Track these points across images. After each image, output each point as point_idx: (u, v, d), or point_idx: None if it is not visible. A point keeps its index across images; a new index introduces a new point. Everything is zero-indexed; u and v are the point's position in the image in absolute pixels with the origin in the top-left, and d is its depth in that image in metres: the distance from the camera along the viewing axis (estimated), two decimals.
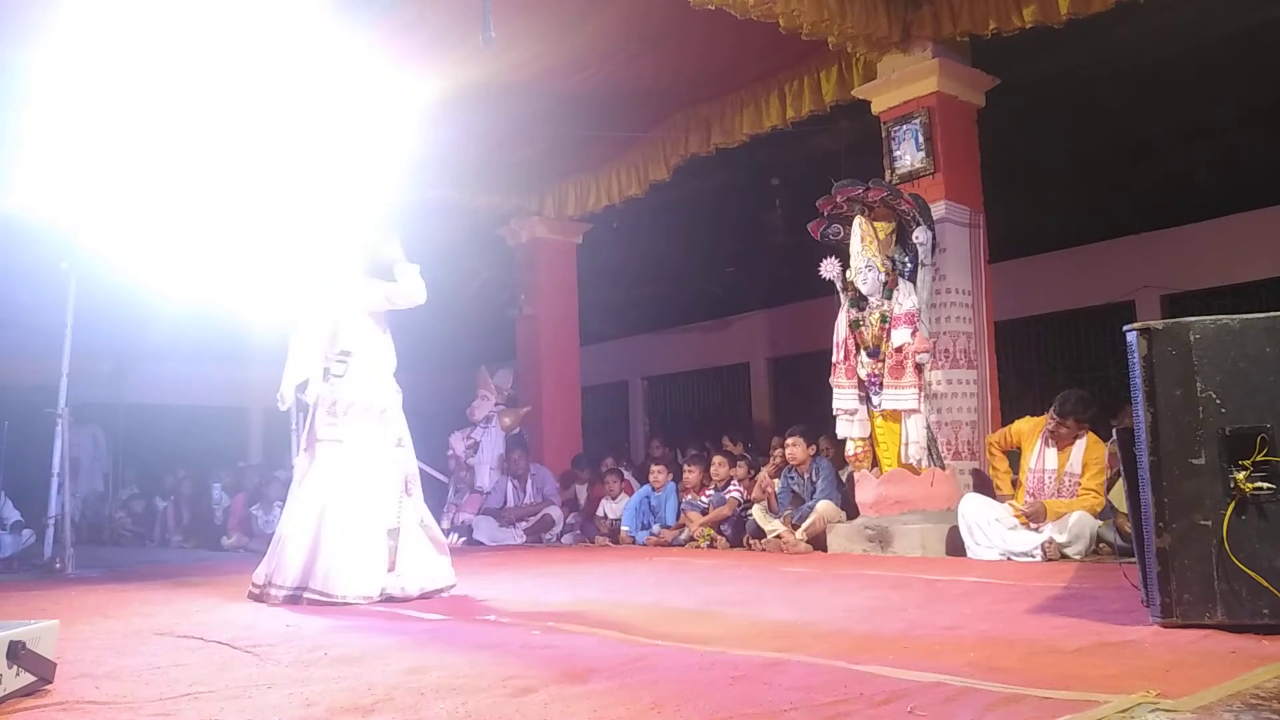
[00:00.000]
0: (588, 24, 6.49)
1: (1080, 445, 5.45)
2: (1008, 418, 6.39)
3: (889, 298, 6.07)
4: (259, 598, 4.22)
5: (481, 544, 8.36)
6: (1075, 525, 5.18)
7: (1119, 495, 5.06)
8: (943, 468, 6.08)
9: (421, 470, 9.46)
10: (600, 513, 8.38)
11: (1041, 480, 5.49)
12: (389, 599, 4.15)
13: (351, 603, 4.04)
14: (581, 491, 9.07)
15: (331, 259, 4.70)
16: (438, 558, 4.41)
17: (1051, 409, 5.48)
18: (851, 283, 6.12)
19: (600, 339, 12.02)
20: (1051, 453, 5.50)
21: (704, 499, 7.47)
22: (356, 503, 4.20)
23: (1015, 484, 5.74)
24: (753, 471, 7.50)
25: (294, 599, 4.08)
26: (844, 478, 6.77)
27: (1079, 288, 8.95)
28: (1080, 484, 5.39)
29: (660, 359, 12.85)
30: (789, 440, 6.79)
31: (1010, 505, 5.49)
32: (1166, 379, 2.81)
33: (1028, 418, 5.82)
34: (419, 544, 4.33)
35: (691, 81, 7.70)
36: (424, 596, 4.23)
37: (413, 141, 5.84)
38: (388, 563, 4.23)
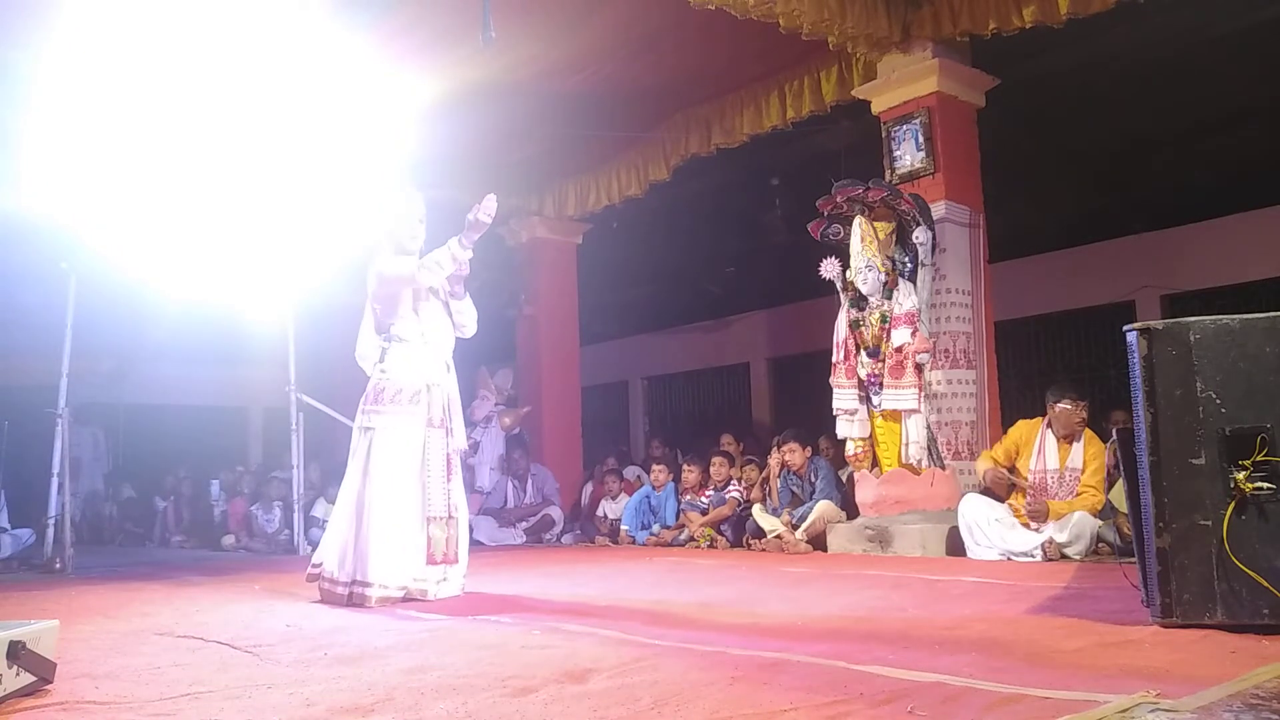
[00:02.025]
0: (587, 24, 6.49)
1: (1080, 441, 5.45)
2: (1008, 418, 6.38)
3: (889, 298, 6.07)
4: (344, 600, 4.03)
5: (481, 544, 8.35)
6: (1075, 525, 5.18)
7: (1119, 495, 5.06)
8: (943, 468, 6.08)
9: None
10: (600, 513, 8.38)
11: (1044, 479, 5.48)
12: (409, 598, 4.05)
13: (384, 595, 3.95)
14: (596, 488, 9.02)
15: (359, 243, 4.56)
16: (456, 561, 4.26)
17: (1055, 404, 5.45)
18: (851, 283, 6.12)
19: (600, 339, 12.02)
20: (1053, 451, 5.48)
21: (704, 499, 7.47)
22: (383, 491, 4.08)
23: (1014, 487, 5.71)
24: (761, 470, 7.51)
25: (351, 595, 3.99)
26: (844, 478, 6.78)
27: (1079, 288, 8.95)
28: (1080, 480, 5.39)
29: (660, 359, 12.85)
30: (785, 448, 6.77)
31: (1010, 505, 5.49)
32: (1166, 379, 2.81)
33: (1021, 422, 5.76)
34: (439, 540, 4.16)
35: (691, 81, 7.70)
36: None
37: (413, 141, 5.84)
38: (425, 554, 4.08)
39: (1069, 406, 5.43)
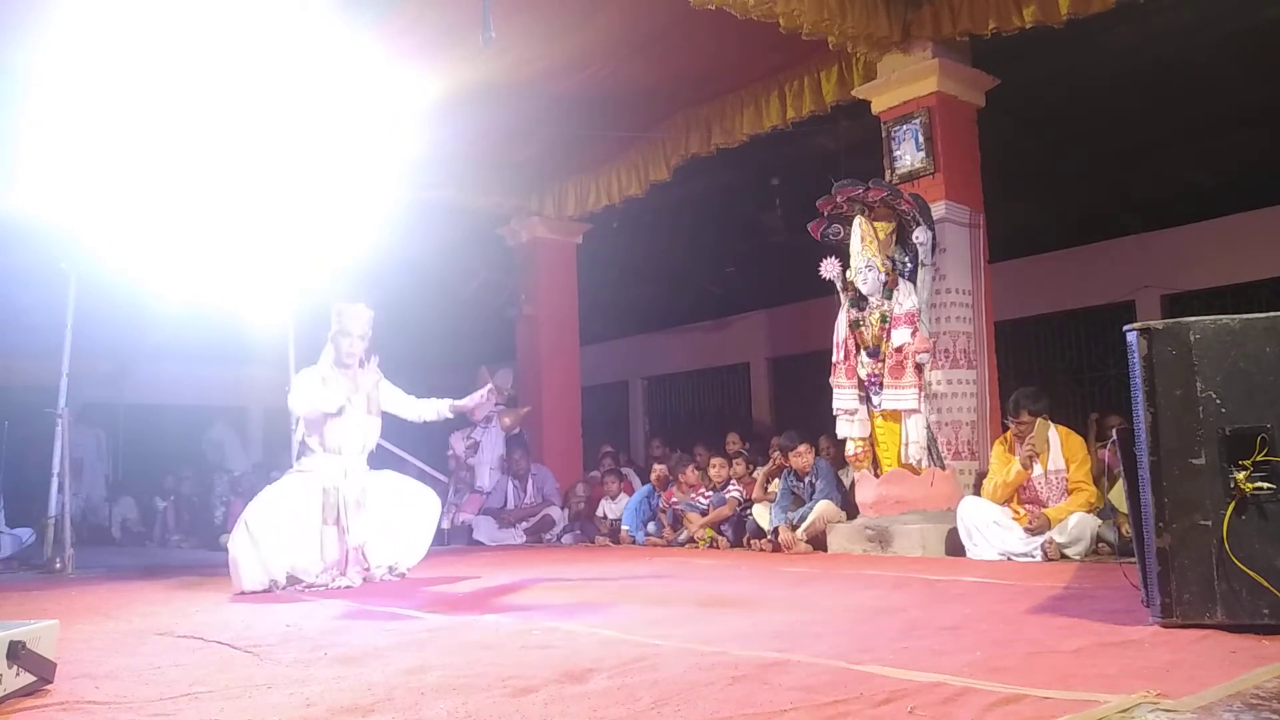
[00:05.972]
0: (588, 24, 6.49)
1: (1054, 442, 5.39)
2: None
3: (889, 298, 6.07)
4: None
5: (481, 544, 8.36)
6: (1075, 526, 5.17)
7: (1119, 495, 5.05)
8: (943, 468, 6.07)
9: (422, 471, 9.50)
10: (600, 513, 8.38)
11: (1032, 487, 5.45)
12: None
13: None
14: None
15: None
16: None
17: (1008, 419, 5.46)
18: (851, 283, 6.12)
19: (600, 339, 12.02)
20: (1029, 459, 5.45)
21: (704, 499, 7.47)
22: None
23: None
24: (752, 468, 7.48)
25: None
26: (844, 478, 6.77)
27: (1079, 288, 8.94)
28: (1068, 479, 5.36)
29: (660, 359, 12.84)
30: (798, 449, 6.67)
31: (1010, 508, 5.44)
32: (1166, 379, 2.81)
33: (997, 444, 5.69)
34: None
35: (691, 81, 7.70)
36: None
37: (413, 141, 5.85)
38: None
39: (1013, 424, 5.38)
